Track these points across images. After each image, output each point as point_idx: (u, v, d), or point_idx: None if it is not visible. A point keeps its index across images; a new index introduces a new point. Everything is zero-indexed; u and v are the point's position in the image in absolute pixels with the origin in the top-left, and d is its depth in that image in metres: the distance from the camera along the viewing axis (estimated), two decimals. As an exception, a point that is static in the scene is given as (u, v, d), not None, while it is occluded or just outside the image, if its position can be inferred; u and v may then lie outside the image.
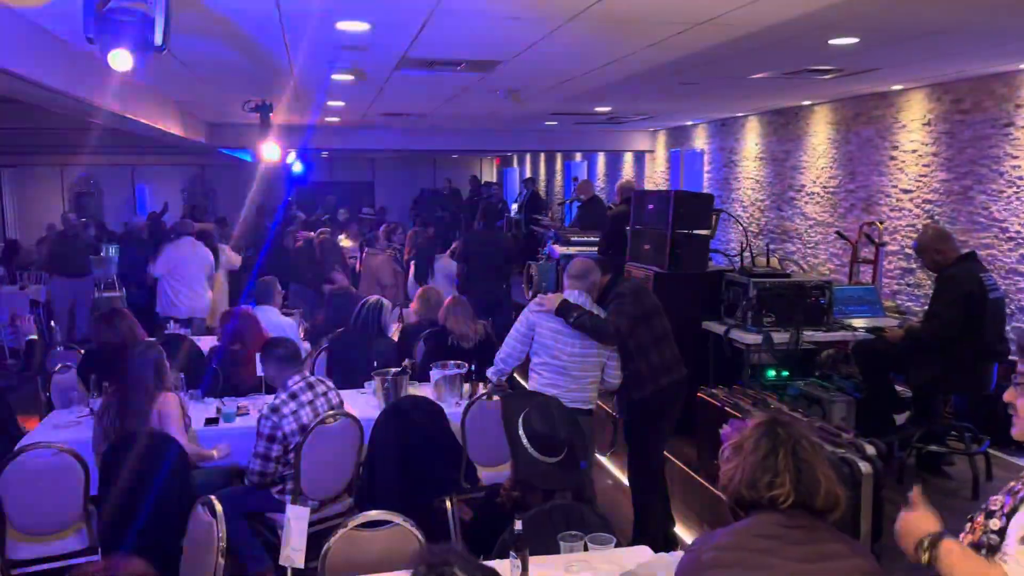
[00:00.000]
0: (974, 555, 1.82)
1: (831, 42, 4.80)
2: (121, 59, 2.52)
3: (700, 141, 11.47)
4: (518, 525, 2.62)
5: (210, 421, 4.55)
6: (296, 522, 2.51)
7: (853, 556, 1.83)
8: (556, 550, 2.78)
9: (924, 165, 7.04)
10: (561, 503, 2.98)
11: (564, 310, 4.13)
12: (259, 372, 4.92)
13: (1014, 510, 1.83)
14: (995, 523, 1.85)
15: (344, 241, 10.21)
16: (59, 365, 5.40)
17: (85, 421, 4.56)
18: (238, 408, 4.69)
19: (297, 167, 15.31)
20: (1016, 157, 6.03)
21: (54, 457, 3.77)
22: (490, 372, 4.53)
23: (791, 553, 1.80)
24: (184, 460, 3.86)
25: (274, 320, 6.13)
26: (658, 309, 4.43)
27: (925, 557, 1.85)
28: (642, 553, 2.90)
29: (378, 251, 8.65)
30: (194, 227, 8.56)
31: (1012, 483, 1.91)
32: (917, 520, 1.93)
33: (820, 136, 8.63)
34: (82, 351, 5.92)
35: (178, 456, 3.83)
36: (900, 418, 5.28)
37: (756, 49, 5.01)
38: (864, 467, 3.71)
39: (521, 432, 3.07)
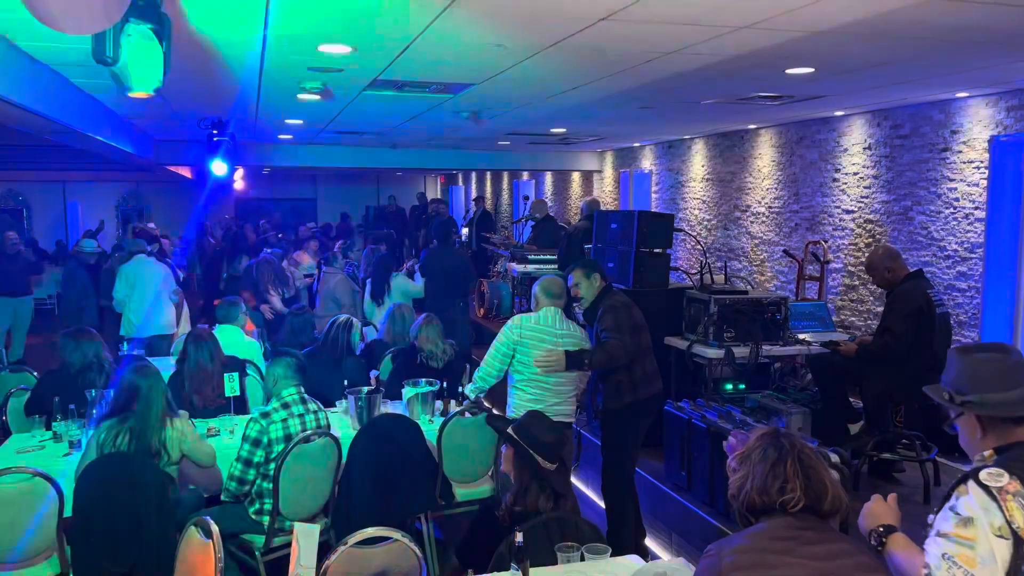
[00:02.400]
0: (912, 545, 2.11)
1: (788, 71, 5.06)
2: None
3: (647, 162, 11.77)
4: (519, 537, 2.69)
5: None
6: (305, 539, 2.53)
7: (859, 554, 1.97)
8: (553, 561, 2.87)
9: (865, 187, 7.41)
10: (556, 515, 3.07)
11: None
12: (227, 393, 4.90)
13: (941, 506, 2.06)
14: (931, 517, 2.08)
15: (303, 258, 10.05)
16: (15, 387, 5.24)
17: (48, 446, 4.45)
18: (208, 430, 4.63)
19: (239, 184, 15.15)
20: (952, 180, 6.41)
21: (27, 483, 3.67)
22: (468, 390, 4.61)
23: (806, 552, 1.92)
24: (162, 482, 3.82)
25: (238, 339, 6.08)
26: (644, 324, 4.59)
27: (874, 542, 2.18)
28: (635, 562, 3.00)
29: (336, 270, 8.60)
30: (145, 245, 8.39)
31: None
32: (881, 511, 2.24)
33: (765, 158, 8.98)
34: (34, 373, 5.76)
35: (157, 478, 3.79)
36: (854, 428, 5.53)
37: (716, 77, 5.24)
38: (832, 474, 3.89)
39: (525, 443, 3.16)
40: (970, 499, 1.96)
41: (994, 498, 1.92)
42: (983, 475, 1.97)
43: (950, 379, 2.23)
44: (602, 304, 4.53)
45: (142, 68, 2.50)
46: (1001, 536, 1.90)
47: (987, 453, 2.12)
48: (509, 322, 4.51)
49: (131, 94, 2.66)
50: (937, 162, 6.56)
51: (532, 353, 4.37)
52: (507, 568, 2.74)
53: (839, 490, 2.07)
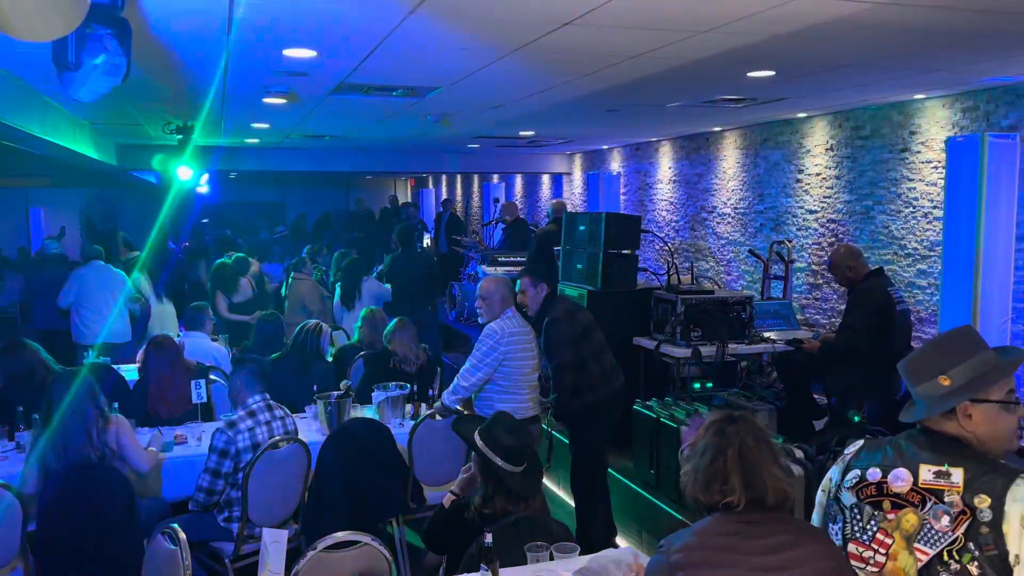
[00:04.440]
0: None
1: (749, 74, 5.14)
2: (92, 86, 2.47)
3: (616, 164, 11.86)
4: (488, 538, 2.71)
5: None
6: (273, 545, 2.53)
7: (812, 542, 1.96)
8: (522, 561, 2.89)
9: (828, 187, 7.54)
10: (526, 515, 3.09)
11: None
12: (194, 400, 4.86)
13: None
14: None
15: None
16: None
17: (12, 456, 4.38)
18: (175, 437, 4.59)
19: (205, 188, 14.97)
20: (912, 180, 6.55)
21: (-11, 494, 3.61)
22: (450, 399, 4.62)
23: (751, 547, 1.91)
24: (129, 491, 3.78)
25: (204, 346, 6.02)
26: (593, 324, 4.66)
27: None
28: (604, 560, 3.03)
29: (305, 275, 8.55)
30: (101, 250, 8.28)
31: None
32: None
33: (730, 160, 9.10)
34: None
35: (123, 487, 3.75)
36: (818, 424, 5.63)
37: (680, 80, 5.31)
38: (796, 470, 3.98)
39: (487, 448, 3.17)
40: None
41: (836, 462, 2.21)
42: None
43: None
44: (547, 314, 4.61)
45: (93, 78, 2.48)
46: (822, 490, 2.22)
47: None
48: (492, 334, 4.52)
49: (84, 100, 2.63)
50: (897, 162, 6.70)
51: (519, 357, 4.54)
52: (477, 569, 2.76)
53: (782, 483, 1.99)
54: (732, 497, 1.95)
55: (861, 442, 2.18)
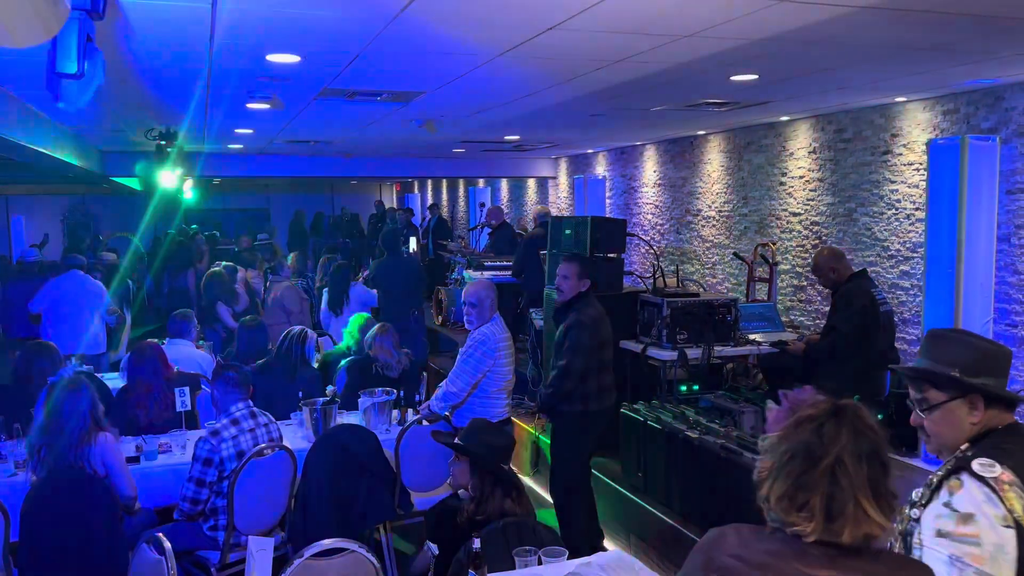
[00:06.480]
0: None
1: (733, 78, 5.17)
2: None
3: (601, 168, 11.89)
4: (476, 543, 2.71)
5: (130, 460, 4.40)
6: (259, 553, 2.51)
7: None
8: (511, 566, 2.89)
9: (811, 190, 7.59)
10: (514, 520, 3.09)
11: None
12: (178, 408, 4.82)
13: (929, 500, 2.00)
14: (915, 512, 2.03)
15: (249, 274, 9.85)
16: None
17: (-4, 467, 4.34)
18: (159, 446, 4.56)
19: (190, 195, 14.91)
20: (894, 182, 6.61)
21: (-30, 505, 3.57)
22: (439, 405, 4.63)
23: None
24: (113, 502, 3.75)
25: (188, 354, 5.98)
26: (609, 340, 4.71)
27: None
28: (592, 564, 3.03)
29: (282, 278, 8.56)
30: (82, 260, 8.22)
31: (931, 476, 2.15)
32: None
33: (714, 164, 9.14)
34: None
35: (106, 498, 3.72)
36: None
37: (665, 83, 5.33)
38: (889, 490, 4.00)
39: (484, 452, 3.19)
40: (966, 493, 1.87)
41: (992, 489, 1.85)
42: (976, 466, 1.88)
43: (955, 359, 2.01)
44: (574, 309, 4.60)
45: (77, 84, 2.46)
46: (1008, 526, 1.83)
47: (964, 446, 2.02)
48: (486, 340, 4.56)
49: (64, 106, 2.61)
50: (879, 164, 6.75)
51: (505, 364, 4.64)
52: (465, 574, 2.76)
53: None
54: (805, 526, 1.55)
55: (989, 460, 1.87)
